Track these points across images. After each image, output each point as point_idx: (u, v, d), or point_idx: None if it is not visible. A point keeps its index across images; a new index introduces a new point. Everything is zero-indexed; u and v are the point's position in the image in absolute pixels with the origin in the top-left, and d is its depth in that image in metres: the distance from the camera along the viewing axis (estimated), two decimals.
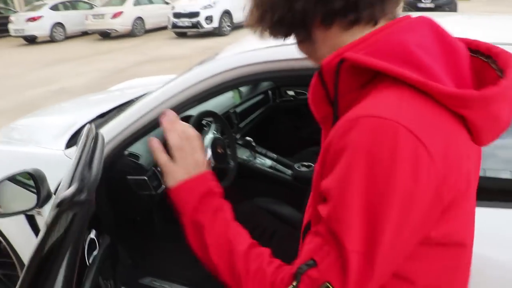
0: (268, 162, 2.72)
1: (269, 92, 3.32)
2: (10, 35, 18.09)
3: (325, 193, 0.69)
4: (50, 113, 3.24)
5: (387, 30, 0.74)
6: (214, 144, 2.19)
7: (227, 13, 15.26)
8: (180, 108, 1.77)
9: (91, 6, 19.18)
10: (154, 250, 2.35)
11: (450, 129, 0.68)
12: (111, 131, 1.85)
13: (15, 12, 21.16)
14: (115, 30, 16.73)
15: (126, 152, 2.07)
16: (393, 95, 0.67)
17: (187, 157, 0.88)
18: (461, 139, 0.70)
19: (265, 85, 3.30)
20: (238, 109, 2.93)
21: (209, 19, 14.96)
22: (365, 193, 0.63)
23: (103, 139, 1.42)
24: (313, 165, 2.45)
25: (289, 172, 2.65)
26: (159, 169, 2.16)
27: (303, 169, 2.54)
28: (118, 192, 2.01)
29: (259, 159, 2.72)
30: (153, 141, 0.89)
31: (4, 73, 11.24)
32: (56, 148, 2.16)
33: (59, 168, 1.68)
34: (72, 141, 2.21)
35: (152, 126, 1.81)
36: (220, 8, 15.07)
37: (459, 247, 0.77)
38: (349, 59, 0.70)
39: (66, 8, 18.64)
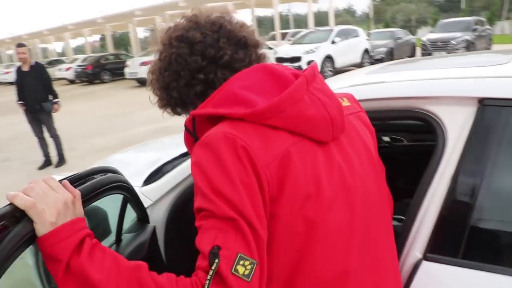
0: None
1: None
2: (126, 78, 19.66)
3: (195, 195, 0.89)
4: (142, 150, 3.28)
5: (225, 84, 0.98)
6: None
7: (328, 58, 15.25)
8: None
9: None
10: None
11: (274, 139, 0.89)
12: (185, 171, 1.76)
13: (132, 57, 23.05)
14: None
15: None
16: (224, 124, 0.91)
17: (47, 197, 0.85)
18: (297, 148, 0.91)
19: None
20: None
21: (310, 63, 15.00)
22: (213, 178, 0.84)
23: None
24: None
25: None
26: None
27: (395, 223, 2.25)
28: (192, 239, 1.89)
29: None
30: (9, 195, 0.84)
31: (116, 112, 12.09)
32: (134, 185, 2.11)
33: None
34: (151, 179, 2.15)
35: None
36: (322, 53, 15.11)
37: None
38: (195, 115, 0.98)
39: None
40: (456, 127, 1.23)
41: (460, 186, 1.21)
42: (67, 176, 1.09)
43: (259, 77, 0.97)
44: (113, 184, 1.29)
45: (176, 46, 1.04)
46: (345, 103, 1.13)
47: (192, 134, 1.01)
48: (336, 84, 1.64)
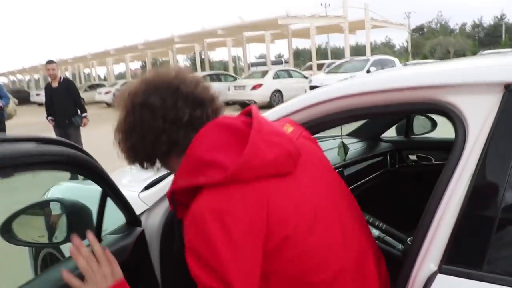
0: (375, 232, 2.26)
1: (388, 155, 2.89)
2: None
3: None
4: None
5: (189, 150, 1.07)
6: None
7: None
8: None
9: (235, 78, 20.47)
10: None
11: (251, 194, 1.00)
12: None
13: None
14: (254, 101, 17.45)
15: None
16: (205, 194, 1.01)
17: (96, 276, 1.11)
18: (271, 191, 1.02)
19: (383, 146, 2.89)
20: (347, 170, 2.54)
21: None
22: (198, 253, 1.00)
23: None
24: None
25: (399, 246, 2.15)
26: None
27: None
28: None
29: None
30: (64, 273, 1.10)
31: None
32: (135, 190, 2.02)
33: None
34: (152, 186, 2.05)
35: None
36: None
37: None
38: (175, 190, 1.09)
39: (212, 79, 20.08)
40: (479, 118, 1.05)
41: (482, 187, 1.03)
42: None
43: (216, 135, 1.07)
44: (49, 158, 1.13)
45: (139, 113, 1.12)
46: (289, 128, 1.20)
47: (174, 207, 1.14)
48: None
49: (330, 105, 1.35)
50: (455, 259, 1.01)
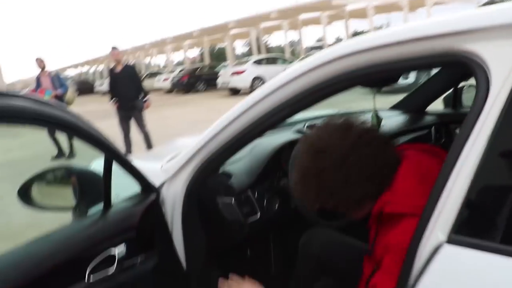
0: None
1: (433, 128, 2.71)
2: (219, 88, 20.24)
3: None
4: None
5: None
6: None
7: None
8: (277, 113, 1.40)
9: (290, 62, 20.18)
10: None
11: None
12: (199, 143, 1.59)
13: (224, 66, 23.73)
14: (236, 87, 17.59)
15: (220, 171, 1.79)
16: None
17: None
18: None
19: (427, 119, 2.72)
20: None
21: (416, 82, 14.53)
22: None
23: None
24: None
25: None
26: (255, 194, 1.81)
27: None
28: (209, 214, 1.73)
29: None
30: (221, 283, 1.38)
31: (204, 118, 12.37)
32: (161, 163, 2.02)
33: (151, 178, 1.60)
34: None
35: (250, 133, 1.47)
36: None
37: None
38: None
39: (268, 62, 20.07)
40: (504, 66, 0.92)
41: (502, 146, 0.91)
42: None
43: (414, 162, 1.23)
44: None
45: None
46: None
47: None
48: None
49: (336, 65, 1.24)
50: (466, 228, 0.91)
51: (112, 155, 1.39)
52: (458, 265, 0.90)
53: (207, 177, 1.66)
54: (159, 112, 8.88)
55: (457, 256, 0.90)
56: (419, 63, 1.10)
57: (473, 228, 0.93)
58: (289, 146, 1.94)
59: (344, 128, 1.24)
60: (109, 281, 1.35)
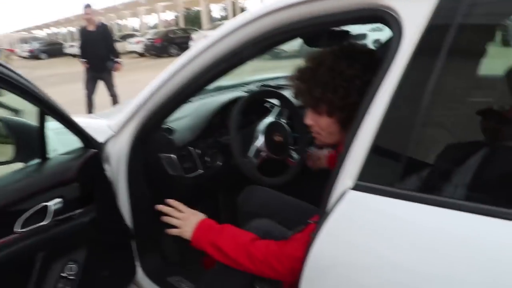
0: None
1: None
2: None
3: None
4: None
5: None
6: (270, 130, 1.78)
7: None
8: (212, 69, 1.41)
9: None
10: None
11: None
12: (143, 97, 1.59)
13: (197, 31, 23.30)
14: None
15: (163, 126, 1.80)
16: None
17: (185, 221, 1.40)
18: None
19: None
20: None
21: (376, 42, 14.35)
22: None
23: None
24: None
25: None
26: (197, 150, 1.83)
27: None
28: (153, 170, 1.74)
29: None
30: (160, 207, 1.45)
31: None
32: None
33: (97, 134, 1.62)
34: None
35: (190, 88, 1.48)
36: (388, 32, 14.34)
37: None
38: None
39: None
40: (416, 16, 0.95)
41: (406, 99, 0.95)
42: None
43: None
44: None
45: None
46: None
47: None
48: None
49: (265, 21, 1.26)
50: (370, 176, 0.97)
51: (46, 108, 1.37)
52: (359, 209, 0.96)
53: (150, 134, 1.67)
54: (129, 76, 8.70)
55: (359, 200, 0.96)
56: (341, 18, 1.13)
57: (377, 176, 0.98)
58: (233, 103, 1.96)
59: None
60: (41, 233, 1.34)
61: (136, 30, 44.91)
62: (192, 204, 2.03)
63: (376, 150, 0.96)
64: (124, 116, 1.66)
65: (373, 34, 14.33)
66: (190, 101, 1.93)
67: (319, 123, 1.32)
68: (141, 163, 1.67)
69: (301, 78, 1.31)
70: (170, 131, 1.81)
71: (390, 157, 1.00)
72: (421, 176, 0.94)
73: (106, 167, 1.61)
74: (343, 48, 1.28)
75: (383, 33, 14.18)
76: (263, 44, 1.31)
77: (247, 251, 1.23)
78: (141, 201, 1.68)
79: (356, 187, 0.97)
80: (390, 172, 0.98)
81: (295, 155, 1.87)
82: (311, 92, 1.27)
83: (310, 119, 1.35)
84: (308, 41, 1.79)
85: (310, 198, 1.86)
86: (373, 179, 0.96)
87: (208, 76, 1.42)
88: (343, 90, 1.21)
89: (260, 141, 1.75)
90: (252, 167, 1.72)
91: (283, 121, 1.88)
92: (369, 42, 14.14)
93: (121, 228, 1.64)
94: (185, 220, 1.39)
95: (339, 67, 1.22)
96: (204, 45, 1.40)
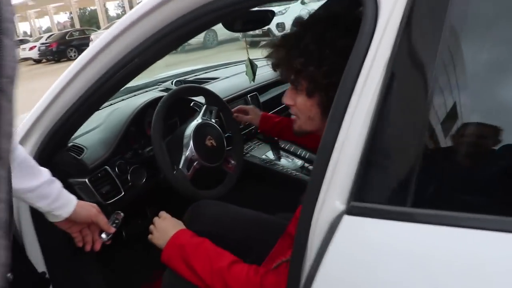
0: (299, 162, 2.00)
1: None
2: None
3: None
4: None
5: None
6: (199, 134, 1.52)
7: None
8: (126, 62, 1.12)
9: None
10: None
11: None
12: (42, 110, 1.26)
13: (95, 31, 22.16)
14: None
15: (70, 144, 1.47)
16: None
17: (161, 236, 1.21)
18: None
19: None
20: (262, 96, 2.23)
21: (280, 26, 14.46)
22: None
23: None
24: None
25: None
26: (115, 169, 1.53)
27: None
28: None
29: (285, 159, 2.00)
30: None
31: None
32: None
33: None
34: None
35: (95, 95, 1.18)
36: (292, 14, 14.49)
37: None
38: None
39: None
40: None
41: (401, 88, 0.72)
42: None
43: None
44: None
45: None
46: None
47: None
48: None
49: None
50: (368, 195, 0.72)
51: None
52: (364, 242, 0.70)
53: (53, 155, 1.33)
54: (27, 85, 8.03)
55: (360, 229, 0.71)
56: None
57: (382, 191, 0.73)
58: (151, 106, 1.66)
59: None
60: None
61: (28, 35, 41.90)
62: (123, 230, 1.74)
63: (374, 154, 0.71)
64: (17, 134, 1.31)
65: (276, 18, 14.42)
66: (98, 110, 1.62)
67: (297, 103, 1.10)
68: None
69: (283, 44, 1.08)
70: (78, 149, 1.47)
71: (394, 163, 0.73)
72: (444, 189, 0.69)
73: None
74: (340, 15, 1.05)
75: (285, 17, 14.30)
76: (181, 31, 1.05)
77: (224, 279, 1.03)
78: (54, 239, 1.36)
79: (352, 210, 0.71)
80: (399, 185, 0.71)
81: (232, 158, 1.63)
82: (291, 62, 1.04)
83: (288, 97, 1.12)
84: (227, 24, 1.56)
85: (261, 204, 1.64)
86: (376, 197, 0.71)
87: (116, 78, 1.13)
88: (329, 65, 0.98)
89: (189, 149, 1.48)
90: (184, 181, 1.45)
91: (212, 121, 1.63)
92: (273, 27, 14.24)
93: (33, 280, 1.31)
94: (160, 231, 1.22)
95: (330, 35, 0.99)
96: (102, 42, 1.11)
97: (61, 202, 1.06)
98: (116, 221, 1.25)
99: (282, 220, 1.51)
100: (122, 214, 1.27)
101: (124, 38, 1.08)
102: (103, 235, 1.21)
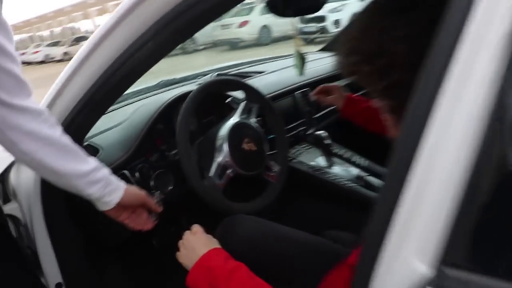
0: (354, 171, 1.71)
1: None
2: None
3: None
4: None
5: None
6: (236, 136, 1.29)
7: None
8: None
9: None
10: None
11: None
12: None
13: None
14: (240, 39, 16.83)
15: (85, 143, 1.28)
16: None
17: (189, 255, 1.04)
18: None
19: None
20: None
21: (337, 23, 14.19)
22: None
23: None
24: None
25: None
26: (135, 173, 1.32)
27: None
28: (79, 206, 1.22)
29: (338, 166, 1.72)
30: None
31: None
32: None
33: None
34: None
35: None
36: (350, 11, 14.15)
37: None
38: None
39: None
40: None
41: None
42: None
43: None
44: None
45: None
46: None
47: None
48: None
49: None
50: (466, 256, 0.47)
51: None
52: None
53: None
54: None
55: None
56: None
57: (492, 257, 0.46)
58: (182, 101, 1.44)
59: None
60: None
61: (90, 33, 43.69)
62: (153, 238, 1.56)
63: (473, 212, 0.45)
64: None
65: (332, 15, 14.11)
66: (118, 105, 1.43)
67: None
68: (62, 196, 1.16)
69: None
70: (92, 149, 1.27)
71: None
72: None
73: (12, 206, 1.15)
74: None
75: (342, 13, 14.03)
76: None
77: None
78: (70, 247, 1.22)
79: (441, 279, 0.45)
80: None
81: (274, 165, 1.38)
82: (348, 59, 0.77)
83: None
84: (274, 8, 1.34)
85: (307, 219, 1.39)
86: (487, 264, 0.45)
87: (127, 67, 0.91)
88: (386, 59, 0.70)
89: (223, 153, 1.25)
90: (215, 192, 1.22)
91: (252, 120, 1.38)
92: (330, 24, 13.92)
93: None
94: (188, 248, 1.05)
95: (390, 24, 0.71)
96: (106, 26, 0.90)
97: (112, 187, 1.03)
98: (160, 201, 1.21)
99: (331, 243, 1.26)
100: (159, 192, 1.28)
101: (132, 19, 0.87)
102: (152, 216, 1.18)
